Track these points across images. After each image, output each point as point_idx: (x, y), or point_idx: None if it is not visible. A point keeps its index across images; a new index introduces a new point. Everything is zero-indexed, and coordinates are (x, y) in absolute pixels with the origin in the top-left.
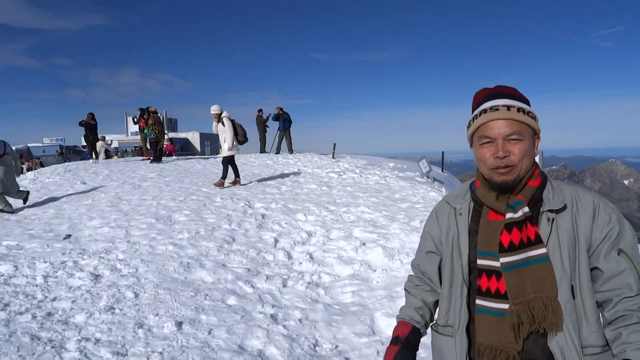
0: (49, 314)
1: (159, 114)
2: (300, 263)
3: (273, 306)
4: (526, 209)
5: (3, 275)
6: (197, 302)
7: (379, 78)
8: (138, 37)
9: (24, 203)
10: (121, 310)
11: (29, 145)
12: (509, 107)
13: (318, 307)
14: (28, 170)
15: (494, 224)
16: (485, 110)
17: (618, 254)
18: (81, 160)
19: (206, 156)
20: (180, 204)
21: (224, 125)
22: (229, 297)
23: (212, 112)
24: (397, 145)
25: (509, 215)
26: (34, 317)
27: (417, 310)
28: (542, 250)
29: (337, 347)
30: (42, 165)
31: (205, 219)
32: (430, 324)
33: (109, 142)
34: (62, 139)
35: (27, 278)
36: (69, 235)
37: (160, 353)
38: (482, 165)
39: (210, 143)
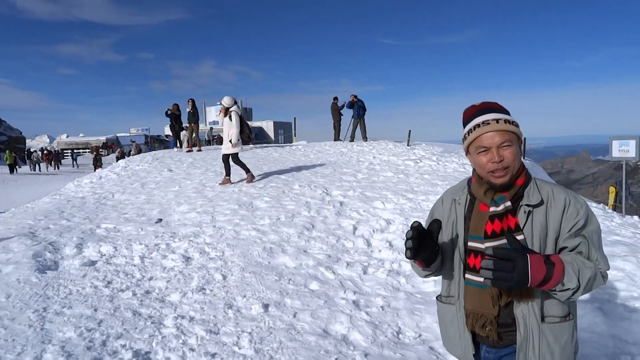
0: (147, 292)
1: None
2: (380, 251)
3: (355, 292)
4: (508, 204)
5: (105, 255)
6: (282, 286)
7: (453, 62)
8: (214, 30)
9: None
10: (211, 291)
11: (117, 135)
12: (497, 120)
13: (400, 295)
14: (118, 158)
15: (482, 214)
16: (478, 125)
17: (581, 237)
18: (166, 148)
19: (281, 144)
20: (260, 191)
21: (230, 119)
22: (311, 282)
23: (222, 104)
24: None
25: (492, 208)
26: (134, 294)
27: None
28: (521, 237)
29: (420, 335)
30: (140, 151)
31: (285, 205)
32: (435, 296)
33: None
34: (147, 128)
35: (126, 258)
36: (160, 220)
37: (250, 333)
38: (480, 170)
39: (284, 132)
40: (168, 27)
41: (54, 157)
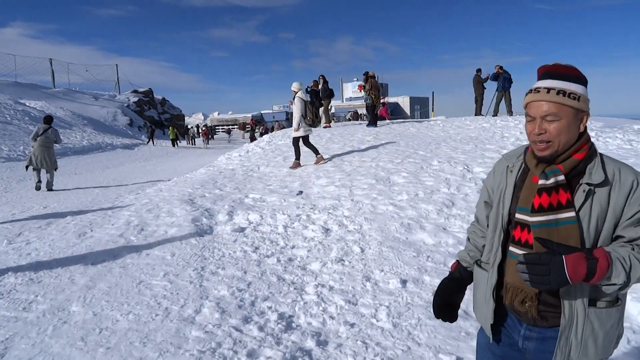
0: (290, 260)
1: (377, 79)
2: None
3: None
4: (561, 177)
5: (252, 223)
6: (420, 262)
7: (620, 24)
8: (352, 7)
9: (40, 190)
10: (350, 262)
11: (262, 112)
12: (548, 90)
13: None
14: (261, 134)
15: (533, 186)
16: (531, 91)
17: None
18: None
19: (418, 120)
20: (397, 166)
21: (295, 104)
22: (450, 260)
23: (292, 89)
24: None
25: (541, 181)
26: (278, 260)
27: (469, 252)
28: (571, 214)
29: None
30: (269, 130)
31: (423, 181)
32: (476, 260)
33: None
34: (288, 105)
35: (271, 227)
36: (301, 192)
37: (387, 307)
38: (528, 137)
39: (420, 107)
40: (307, 6)
41: (208, 133)
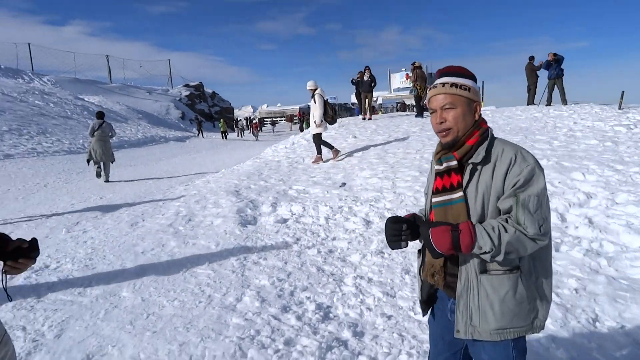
0: (330, 251)
1: (423, 70)
2: (577, 227)
3: None
4: (453, 163)
5: (295, 214)
6: None
7: None
8: None
9: (101, 178)
10: (389, 255)
11: (309, 104)
12: (444, 84)
13: (599, 278)
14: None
15: None
16: (431, 88)
17: (514, 198)
18: (351, 116)
19: None
20: None
21: (315, 102)
22: None
23: (307, 87)
24: None
25: (436, 167)
26: (318, 252)
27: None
28: (459, 194)
29: (623, 327)
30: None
31: None
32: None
33: (375, 98)
34: (335, 97)
35: (313, 218)
36: (344, 184)
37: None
38: (433, 129)
39: None
40: None
41: (258, 125)
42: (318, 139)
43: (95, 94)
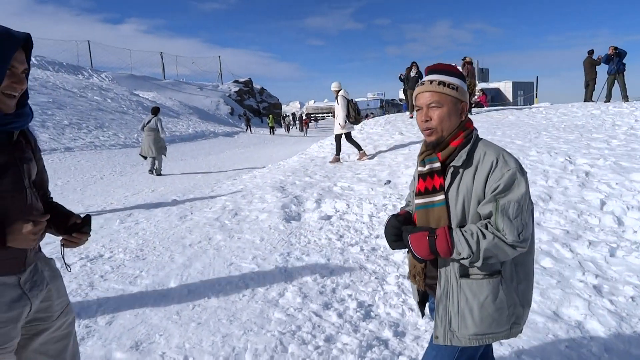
0: (373, 249)
1: (473, 65)
2: (635, 232)
3: (597, 276)
4: (436, 165)
5: (339, 211)
6: None
7: None
8: None
9: (155, 173)
10: None
11: (356, 100)
12: (431, 82)
13: None
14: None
15: None
16: (419, 85)
17: (493, 204)
18: (398, 112)
19: (519, 106)
20: None
21: (338, 103)
22: (543, 258)
23: (331, 88)
24: None
25: (419, 168)
26: (361, 249)
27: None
28: (441, 197)
29: None
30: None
31: None
32: None
33: None
34: (382, 93)
35: (356, 215)
36: (389, 181)
37: None
38: (419, 127)
39: (524, 92)
40: None
41: (307, 121)
42: (339, 139)
43: (150, 89)
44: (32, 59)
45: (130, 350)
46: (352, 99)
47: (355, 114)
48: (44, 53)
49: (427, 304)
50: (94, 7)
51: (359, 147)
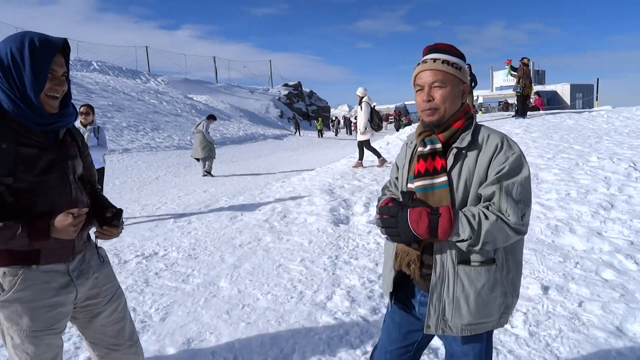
0: None
1: (529, 67)
2: None
3: None
4: (438, 145)
5: None
6: (566, 269)
7: None
8: None
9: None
10: None
11: (405, 103)
12: (434, 60)
13: None
14: (404, 126)
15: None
16: (419, 63)
17: (497, 185)
18: None
19: (579, 110)
20: (548, 162)
21: (361, 109)
22: (604, 269)
23: (356, 93)
24: None
25: (419, 149)
26: None
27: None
28: (443, 179)
29: None
30: (411, 123)
31: (578, 179)
32: None
33: (475, 97)
34: None
35: None
36: None
37: (525, 313)
38: (417, 108)
39: (584, 95)
40: None
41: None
42: (362, 145)
43: (203, 93)
44: (94, 64)
45: (182, 346)
46: (374, 106)
47: (378, 120)
48: (105, 58)
49: (417, 298)
50: (151, 14)
51: (378, 154)
